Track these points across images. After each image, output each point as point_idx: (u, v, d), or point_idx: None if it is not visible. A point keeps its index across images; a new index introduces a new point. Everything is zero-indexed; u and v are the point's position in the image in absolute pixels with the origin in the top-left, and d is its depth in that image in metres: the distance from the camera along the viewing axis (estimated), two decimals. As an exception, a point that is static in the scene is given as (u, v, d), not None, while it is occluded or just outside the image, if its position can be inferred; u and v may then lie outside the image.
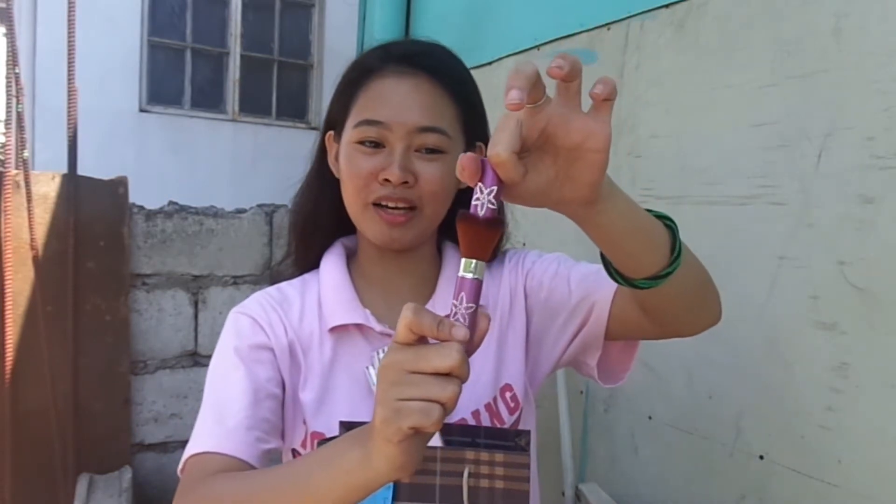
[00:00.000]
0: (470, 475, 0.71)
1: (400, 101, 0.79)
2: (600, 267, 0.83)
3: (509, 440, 0.76)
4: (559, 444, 1.58)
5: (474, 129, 0.87)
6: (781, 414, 1.17)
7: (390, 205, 0.79)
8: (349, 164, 0.81)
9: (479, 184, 0.50)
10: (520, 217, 1.02)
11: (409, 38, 0.88)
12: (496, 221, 0.51)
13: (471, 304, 0.51)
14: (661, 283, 0.66)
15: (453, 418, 0.82)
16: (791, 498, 1.15)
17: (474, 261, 0.51)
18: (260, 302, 0.87)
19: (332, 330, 0.84)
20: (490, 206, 0.50)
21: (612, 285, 0.80)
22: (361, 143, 0.80)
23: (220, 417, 0.76)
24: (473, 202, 0.50)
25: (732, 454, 1.26)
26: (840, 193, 1.09)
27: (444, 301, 0.85)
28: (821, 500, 1.10)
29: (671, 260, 0.66)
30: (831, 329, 1.09)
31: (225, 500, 0.65)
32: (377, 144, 0.79)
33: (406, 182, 0.78)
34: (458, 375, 0.49)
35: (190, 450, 0.75)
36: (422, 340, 0.51)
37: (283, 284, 0.91)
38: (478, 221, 0.50)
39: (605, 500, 1.43)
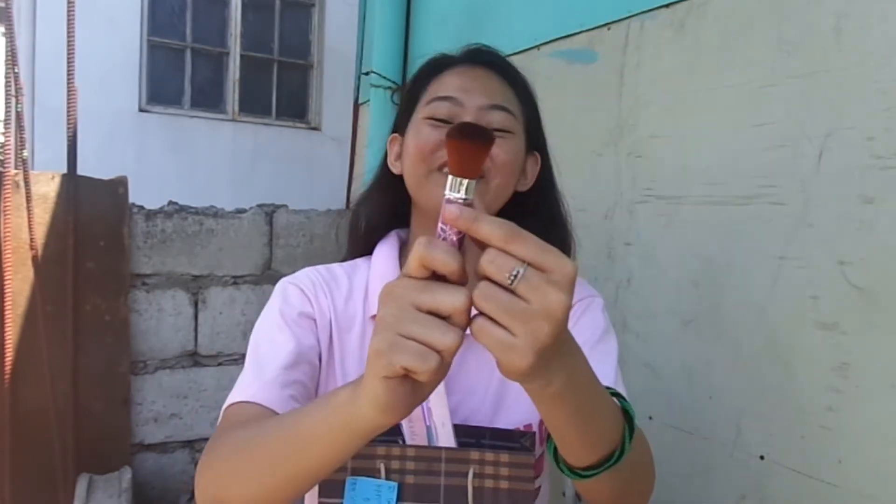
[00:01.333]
0: (475, 475, 0.71)
1: (469, 83, 0.83)
2: (610, 373, 0.81)
3: (514, 441, 0.76)
4: (559, 443, 1.58)
5: (534, 133, 0.89)
6: (782, 414, 1.18)
7: None
8: (416, 136, 0.83)
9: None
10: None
11: (475, 44, 0.92)
12: (486, 134, 0.49)
13: (461, 231, 0.47)
14: (585, 480, 0.61)
15: (513, 424, 0.81)
16: (791, 498, 1.15)
17: (465, 180, 0.48)
18: (309, 276, 0.88)
19: (374, 317, 0.85)
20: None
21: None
22: (431, 118, 0.82)
23: (260, 371, 0.77)
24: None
25: (732, 454, 1.26)
26: (840, 193, 1.09)
27: None
28: (821, 500, 1.10)
29: (612, 456, 0.61)
30: (831, 329, 1.10)
31: (240, 443, 0.65)
32: (447, 122, 0.81)
33: None
34: (458, 323, 0.47)
35: (227, 401, 0.76)
36: (434, 277, 0.48)
37: (334, 265, 0.91)
38: (468, 133, 0.48)
39: (605, 499, 1.43)
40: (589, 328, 0.84)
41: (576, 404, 0.55)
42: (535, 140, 0.89)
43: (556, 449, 0.62)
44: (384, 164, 0.91)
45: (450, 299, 0.46)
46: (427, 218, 0.83)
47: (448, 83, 0.83)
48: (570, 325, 0.84)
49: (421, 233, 0.87)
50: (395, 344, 0.46)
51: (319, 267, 0.90)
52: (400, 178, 0.86)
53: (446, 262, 0.46)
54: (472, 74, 0.84)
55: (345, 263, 0.92)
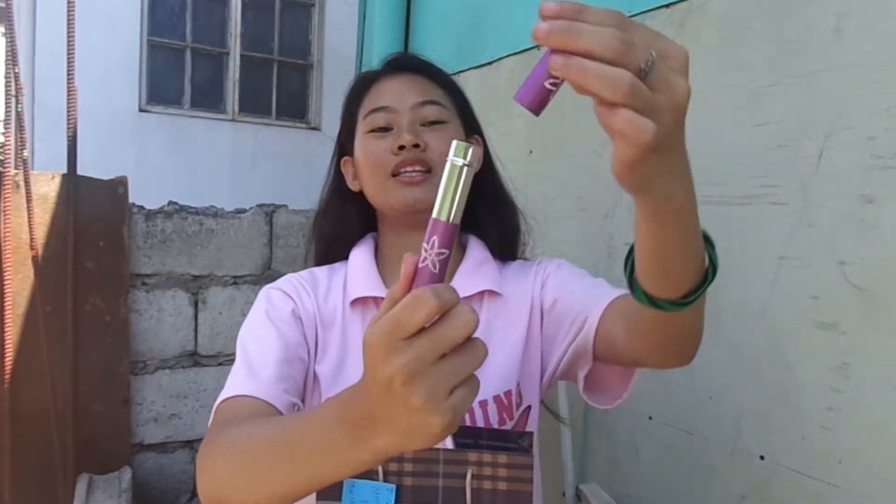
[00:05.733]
0: (473, 476, 0.71)
1: (397, 89, 0.90)
2: (601, 281, 0.86)
3: (512, 441, 0.77)
4: (560, 444, 1.58)
5: (469, 120, 0.95)
6: (782, 414, 1.17)
7: (408, 169, 0.86)
8: (365, 151, 0.90)
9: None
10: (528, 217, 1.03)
11: (393, 53, 1.01)
12: None
13: (442, 251, 0.45)
14: (682, 309, 0.61)
15: (492, 393, 0.85)
16: (791, 498, 1.15)
17: (470, 146, 0.44)
18: (290, 280, 0.93)
19: (354, 304, 0.90)
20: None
21: (604, 302, 0.81)
22: (373, 130, 0.89)
23: (252, 370, 0.79)
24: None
25: (733, 454, 1.26)
26: (841, 193, 1.09)
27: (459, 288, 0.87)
28: (821, 500, 1.10)
29: (700, 286, 0.61)
30: (832, 329, 1.09)
31: (236, 444, 0.64)
32: (386, 129, 0.89)
33: (417, 145, 0.86)
34: (473, 336, 0.43)
35: (219, 398, 0.77)
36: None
37: (314, 268, 0.97)
38: None
39: (605, 500, 1.43)
40: (558, 272, 0.92)
41: (688, 221, 0.55)
42: (472, 126, 0.96)
43: (643, 291, 0.61)
44: (341, 183, 0.97)
45: (469, 327, 0.42)
46: (394, 221, 0.91)
47: (378, 94, 0.91)
48: (541, 278, 0.93)
49: (391, 234, 0.93)
50: (454, 408, 0.42)
51: (300, 272, 0.96)
52: (358, 193, 0.94)
53: (452, 298, 0.42)
54: (399, 80, 0.91)
55: (324, 266, 0.97)
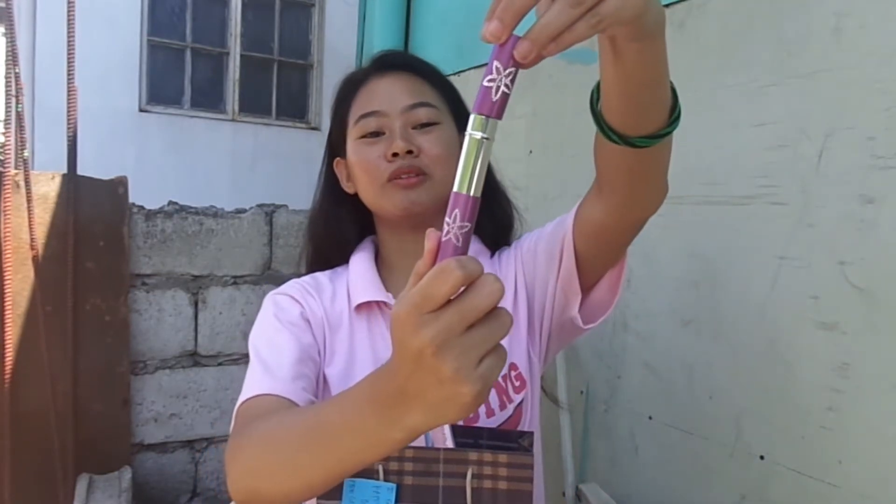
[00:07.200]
0: (473, 476, 0.71)
1: (387, 91, 0.89)
2: (563, 216, 0.86)
3: (512, 441, 0.77)
4: (559, 443, 1.58)
5: (461, 115, 0.94)
6: (782, 414, 1.17)
7: (403, 176, 0.86)
8: (359, 158, 0.89)
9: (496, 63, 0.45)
10: (521, 210, 1.04)
11: (381, 51, 1.00)
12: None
13: (464, 224, 0.45)
14: (656, 143, 0.64)
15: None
16: (791, 498, 1.15)
17: (489, 120, 0.44)
18: (294, 286, 0.93)
19: (358, 308, 0.90)
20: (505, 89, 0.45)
21: (571, 215, 0.83)
22: (364, 136, 0.88)
23: (268, 369, 0.79)
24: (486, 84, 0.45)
25: (733, 454, 1.26)
26: (841, 193, 1.09)
27: None
28: (821, 500, 1.10)
29: (671, 119, 0.64)
30: (832, 329, 1.09)
31: (265, 435, 0.64)
32: (378, 134, 0.88)
33: (411, 151, 0.85)
34: (497, 304, 0.44)
35: (240, 400, 0.78)
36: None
37: (317, 273, 0.97)
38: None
39: (605, 500, 1.43)
40: (529, 237, 0.93)
41: (663, 48, 0.57)
42: (465, 122, 0.94)
43: (613, 130, 0.64)
44: (334, 185, 0.96)
45: (495, 295, 0.43)
46: (392, 223, 0.91)
47: (368, 98, 0.90)
48: (519, 251, 0.93)
49: (390, 236, 0.93)
50: (484, 377, 0.43)
51: (304, 277, 0.96)
52: (353, 195, 0.93)
53: (476, 269, 0.43)
54: (387, 81, 0.90)
55: (326, 271, 0.97)
